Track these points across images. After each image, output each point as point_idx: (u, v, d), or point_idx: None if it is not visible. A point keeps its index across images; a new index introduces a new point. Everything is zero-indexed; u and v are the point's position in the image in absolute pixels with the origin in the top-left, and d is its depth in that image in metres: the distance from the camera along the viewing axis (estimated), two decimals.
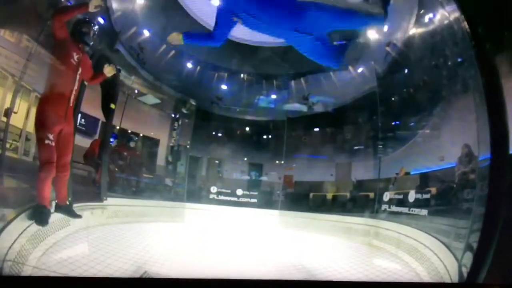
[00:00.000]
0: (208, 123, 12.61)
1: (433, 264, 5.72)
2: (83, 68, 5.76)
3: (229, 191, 11.66)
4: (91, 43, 5.98)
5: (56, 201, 5.76)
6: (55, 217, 5.87)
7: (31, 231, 5.16)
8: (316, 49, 6.67)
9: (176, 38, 6.86)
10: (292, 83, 12.51)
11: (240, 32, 10.77)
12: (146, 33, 10.47)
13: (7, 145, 5.70)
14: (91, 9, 5.47)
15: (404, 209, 7.75)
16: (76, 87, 5.57)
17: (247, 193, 11.73)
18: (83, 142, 8.38)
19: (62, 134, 5.43)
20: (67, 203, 5.96)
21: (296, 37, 6.50)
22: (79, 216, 6.14)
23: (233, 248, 7.90)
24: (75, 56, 5.57)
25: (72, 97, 5.51)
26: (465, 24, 5.03)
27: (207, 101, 12.44)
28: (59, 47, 5.50)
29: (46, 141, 5.13)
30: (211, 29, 10.38)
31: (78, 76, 5.60)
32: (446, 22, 6.34)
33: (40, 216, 5.24)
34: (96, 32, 6.05)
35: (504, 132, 4.25)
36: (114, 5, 8.78)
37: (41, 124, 5.20)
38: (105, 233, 6.97)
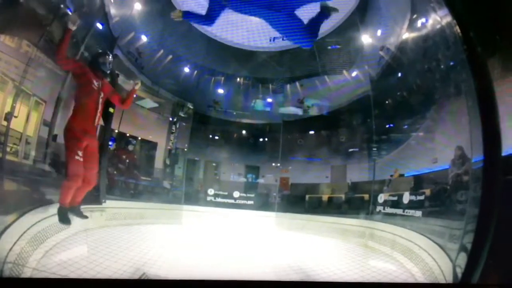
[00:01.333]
0: (206, 127, 12.65)
1: (428, 264, 5.76)
2: (111, 97, 6.63)
3: (226, 193, 11.65)
4: (109, 72, 6.66)
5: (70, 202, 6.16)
6: (55, 220, 5.92)
7: (31, 233, 5.22)
8: (288, 26, 6.93)
9: (178, 14, 7.41)
10: (288, 87, 12.56)
11: (237, 37, 10.86)
12: (144, 38, 10.52)
13: (8, 149, 5.74)
14: (73, 28, 5.91)
15: (399, 211, 7.78)
16: (100, 109, 6.23)
17: (244, 195, 11.73)
18: None
19: (88, 150, 6.04)
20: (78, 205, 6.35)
21: (269, 14, 6.77)
22: (86, 217, 6.54)
23: (231, 249, 7.92)
24: (96, 83, 6.18)
25: (97, 118, 6.20)
26: (457, 29, 5.11)
27: (204, 105, 12.49)
28: (78, 77, 6.18)
29: (76, 157, 5.81)
30: (208, 34, 10.54)
31: (100, 100, 6.25)
32: (438, 26, 6.40)
33: (62, 213, 5.93)
34: (112, 61, 6.68)
35: (496, 134, 4.32)
36: (112, 11, 8.83)
37: (71, 142, 5.86)
38: (104, 235, 7.00)
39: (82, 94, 6.04)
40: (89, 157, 6.06)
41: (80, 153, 5.81)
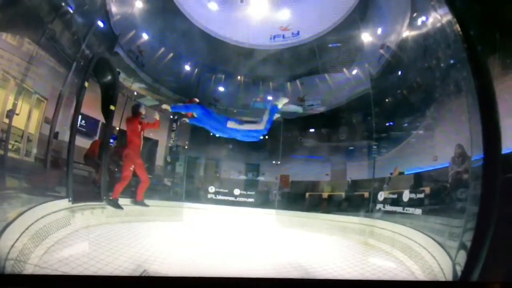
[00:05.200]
0: None
1: (428, 262, 5.76)
2: (146, 126, 9.20)
3: (226, 190, 11.66)
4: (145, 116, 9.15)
5: (136, 199, 8.98)
6: (56, 216, 5.96)
7: (33, 230, 5.23)
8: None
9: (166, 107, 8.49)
10: (288, 85, 12.57)
11: (237, 35, 10.87)
12: (145, 36, 10.53)
13: (9, 146, 5.75)
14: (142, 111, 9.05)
15: (399, 209, 7.79)
16: (142, 142, 8.97)
17: (244, 192, 11.73)
18: (83, 143, 8.47)
19: (137, 164, 8.74)
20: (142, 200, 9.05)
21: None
22: (147, 205, 9.11)
23: (231, 247, 7.91)
24: (139, 126, 8.82)
25: (141, 146, 8.94)
26: (457, 27, 5.11)
27: (205, 103, 12.47)
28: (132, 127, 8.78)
29: (130, 168, 8.51)
30: (208, 31, 10.58)
31: (142, 135, 8.98)
32: (438, 25, 6.39)
33: (116, 204, 8.32)
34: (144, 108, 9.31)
35: (496, 133, 4.31)
36: (114, 9, 8.84)
37: (128, 159, 8.58)
38: (105, 232, 7.00)
39: (134, 135, 8.67)
40: (139, 168, 8.78)
41: (132, 166, 8.55)
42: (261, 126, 7.71)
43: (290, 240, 9.25)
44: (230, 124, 7.75)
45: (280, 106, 7.81)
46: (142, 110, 8.94)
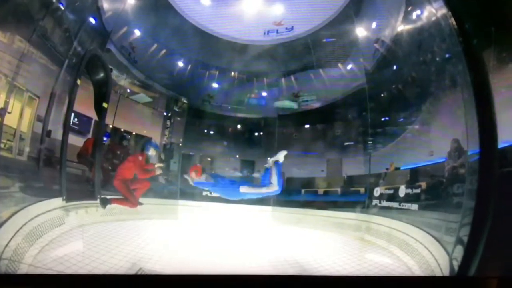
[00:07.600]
0: (200, 121, 12.53)
1: (424, 258, 5.77)
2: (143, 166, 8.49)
3: None
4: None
5: None
6: (50, 216, 5.92)
7: (27, 229, 5.20)
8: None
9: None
10: (283, 80, 12.52)
11: (230, 31, 10.81)
12: (137, 32, 10.46)
13: (1, 145, 5.71)
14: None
15: (395, 204, 7.78)
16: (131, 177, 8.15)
17: None
18: (76, 141, 8.39)
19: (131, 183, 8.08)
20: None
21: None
22: (141, 204, 8.12)
23: (227, 244, 7.89)
24: (139, 159, 8.31)
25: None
26: (452, 21, 5.10)
27: (198, 99, 12.42)
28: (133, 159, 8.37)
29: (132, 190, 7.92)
30: (201, 27, 10.55)
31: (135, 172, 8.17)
32: (433, 18, 6.38)
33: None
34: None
35: (492, 127, 4.31)
36: (105, 5, 8.77)
37: (125, 186, 7.82)
38: (99, 231, 6.99)
39: (132, 167, 8.15)
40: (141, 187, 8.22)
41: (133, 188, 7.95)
42: (275, 187, 7.61)
43: (286, 237, 9.23)
44: (243, 189, 7.64)
45: (281, 160, 7.76)
46: (152, 151, 8.81)
